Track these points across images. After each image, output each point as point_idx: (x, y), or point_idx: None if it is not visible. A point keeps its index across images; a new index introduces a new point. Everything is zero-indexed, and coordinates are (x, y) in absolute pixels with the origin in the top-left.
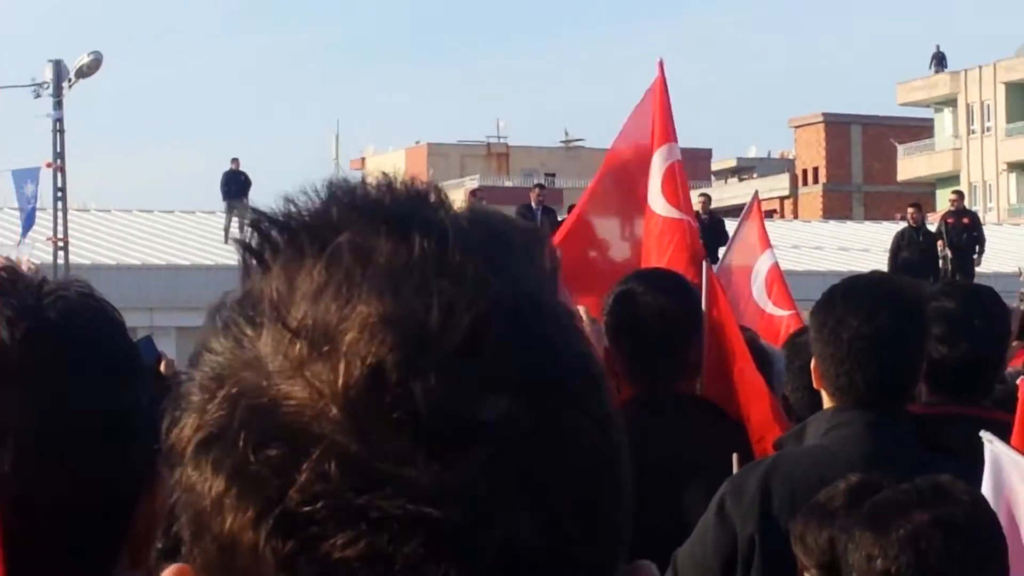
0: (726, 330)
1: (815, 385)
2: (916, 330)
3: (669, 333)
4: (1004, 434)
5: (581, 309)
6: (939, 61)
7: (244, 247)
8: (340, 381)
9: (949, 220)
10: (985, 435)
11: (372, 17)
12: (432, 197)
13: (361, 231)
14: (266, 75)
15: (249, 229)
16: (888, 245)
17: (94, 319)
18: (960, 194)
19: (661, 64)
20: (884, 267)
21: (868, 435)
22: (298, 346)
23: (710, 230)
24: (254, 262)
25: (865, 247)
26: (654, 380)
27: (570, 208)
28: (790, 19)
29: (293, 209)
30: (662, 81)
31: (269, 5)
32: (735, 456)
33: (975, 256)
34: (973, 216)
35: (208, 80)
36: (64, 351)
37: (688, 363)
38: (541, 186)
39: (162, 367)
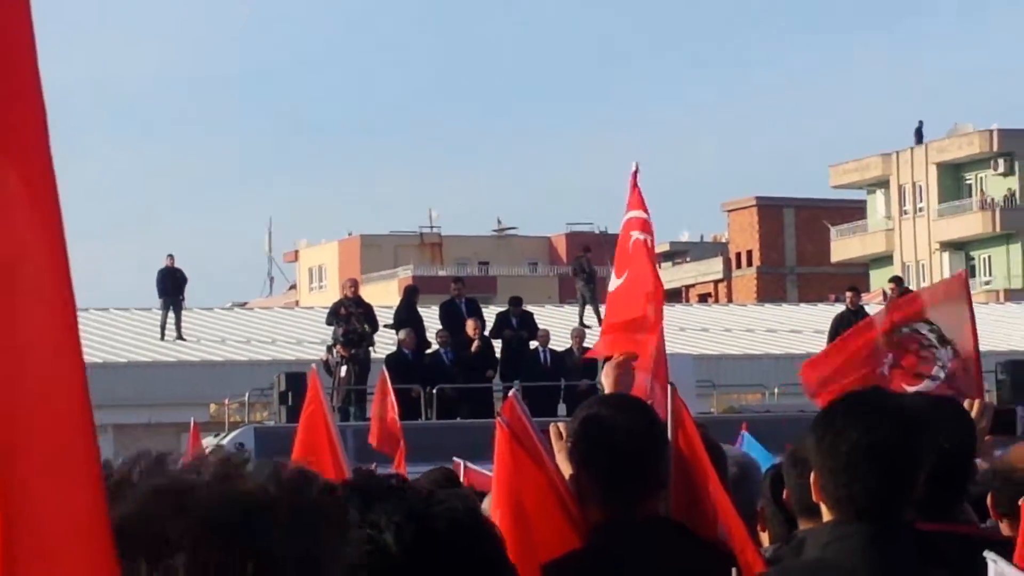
0: (692, 448)
1: (814, 498)
2: (916, 442)
3: (638, 453)
4: (1001, 552)
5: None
6: (918, 132)
7: None
8: None
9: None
10: (989, 555)
11: (302, 110)
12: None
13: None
14: (198, 170)
15: None
16: (823, 326)
17: (480, 537)
18: (899, 280)
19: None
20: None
21: (870, 548)
22: None
23: None
24: None
25: (799, 329)
26: (624, 502)
27: (511, 299)
28: (719, 104)
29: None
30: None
31: (200, 100)
32: (734, 571)
33: None
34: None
35: (140, 176)
36: (448, 563)
37: (656, 483)
38: (458, 279)
39: None
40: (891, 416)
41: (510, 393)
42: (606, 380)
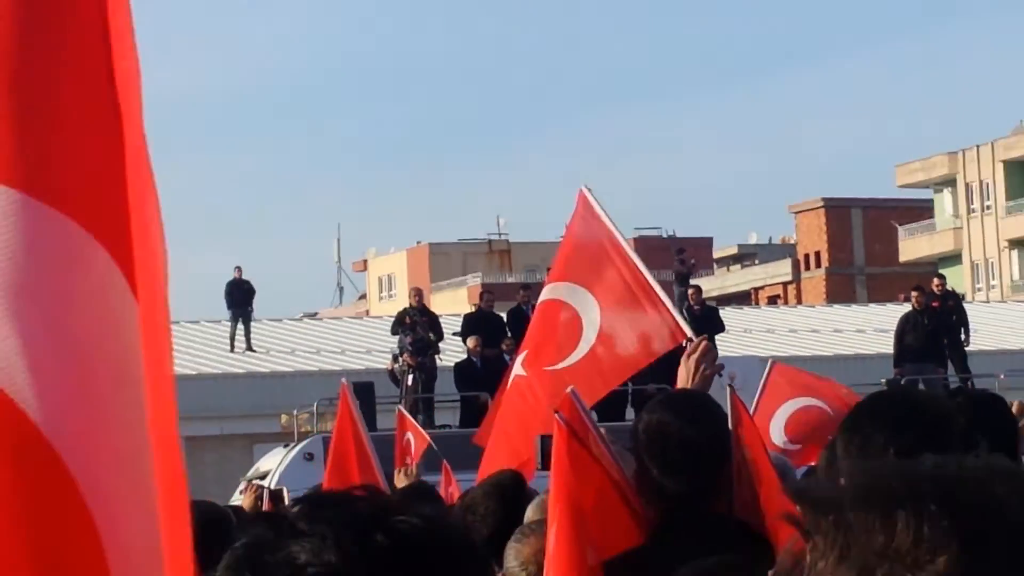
0: (752, 451)
1: None
2: (942, 444)
3: (697, 464)
4: None
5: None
6: None
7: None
8: None
9: (934, 304)
10: None
11: (368, 118)
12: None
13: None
14: (265, 179)
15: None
16: (891, 326)
17: (435, 555)
18: (943, 278)
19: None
20: (890, 350)
21: None
22: None
23: (703, 320)
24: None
25: (864, 329)
26: (685, 501)
27: None
28: (786, 105)
29: (824, 488)
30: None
31: (268, 108)
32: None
33: (963, 338)
34: (957, 299)
35: (207, 187)
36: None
37: (717, 486)
38: (526, 286)
39: None
40: (916, 417)
41: (567, 390)
42: (682, 371)
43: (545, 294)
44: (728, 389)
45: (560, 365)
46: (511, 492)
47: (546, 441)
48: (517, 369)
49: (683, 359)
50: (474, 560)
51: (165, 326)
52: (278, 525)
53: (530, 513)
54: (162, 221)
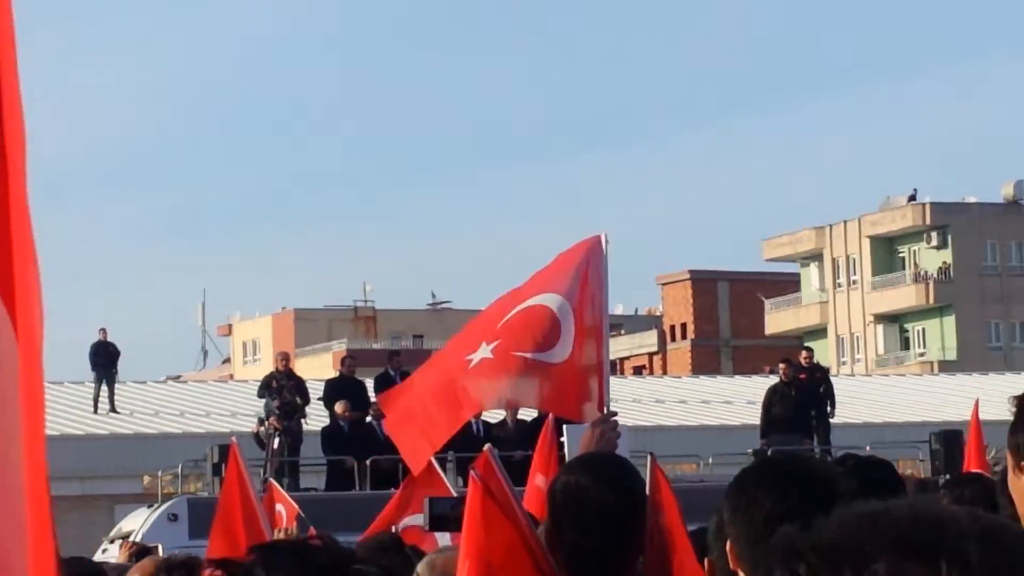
0: (667, 516)
1: (731, 566)
2: (828, 507)
3: (611, 528)
4: None
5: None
6: (911, 198)
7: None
8: None
9: (802, 376)
10: None
11: (232, 182)
12: (958, 523)
13: (892, 558)
14: (129, 240)
15: (791, 554)
16: (757, 398)
17: None
18: (811, 350)
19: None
20: (756, 421)
21: None
22: None
23: None
24: None
25: (732, 400)
26: (596, 567)
27: None
28: (652, 177)
29: (821, 535)
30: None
31: (128, 169)
32: None
33: (828, 410)
34: (824, 372)
35: (69, 247)
36: None
37: (629, 552)
38: (395, 352)
39: None
40: (801, 481)
41: (485, 448)
42: (587, 435)
43: (535, 301)
44: (648, 457)
45: (532, 355)
46: (392, 552)
47: (434, 504)
48: (483, 353)
49: (591, 425)
50: None
51: (40, 368)
52: (234, 572)
53: (421, 570)
54: (39, 273)
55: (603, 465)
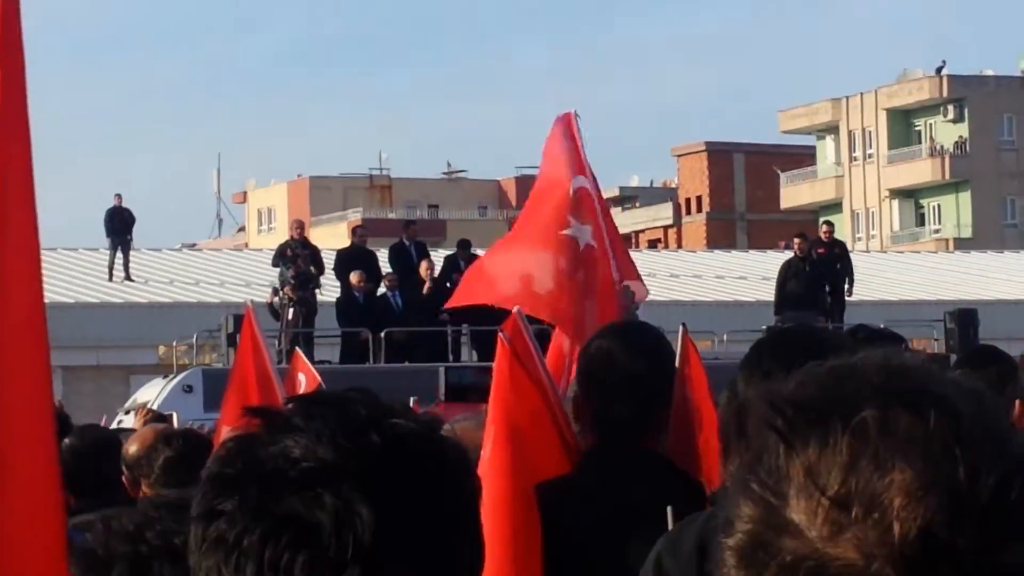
0: (696, 391)
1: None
2: None
3: (639, 397)
4: None
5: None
6: (938, 70)
7: (771, 428)
8: (895, 542)
9: (820, 251)
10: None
11: (251, 49)
12: (935, 374)
13: (879, 407)
14: (145, 107)
15: (770, 410)
16: (771, 273)
17: (433, 462)
18: (831, 225)
19: (572, 116)
20: (770, 297)
21: None
22: (839, 512)
23: None
24: (775, 440)
25: (746, 276)
26: (618, 435)
27: (460, 242)
28: (671, 48)
29: (807, 391)
30: (573, 127)
31: (143, 33)
32: (669, 509)
33: (846, 287)
34: (843, 248)
35: (86, 112)
36: (389, 482)
37: (655, 422)
38: (411, 222)
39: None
40: (814, 353)
41: (513, 310)
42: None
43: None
44: (681, 328)
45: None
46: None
47: (449, 373)
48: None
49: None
50: (464, 471)
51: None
52: (273, 420)
53: None
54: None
55: (637, 333)
